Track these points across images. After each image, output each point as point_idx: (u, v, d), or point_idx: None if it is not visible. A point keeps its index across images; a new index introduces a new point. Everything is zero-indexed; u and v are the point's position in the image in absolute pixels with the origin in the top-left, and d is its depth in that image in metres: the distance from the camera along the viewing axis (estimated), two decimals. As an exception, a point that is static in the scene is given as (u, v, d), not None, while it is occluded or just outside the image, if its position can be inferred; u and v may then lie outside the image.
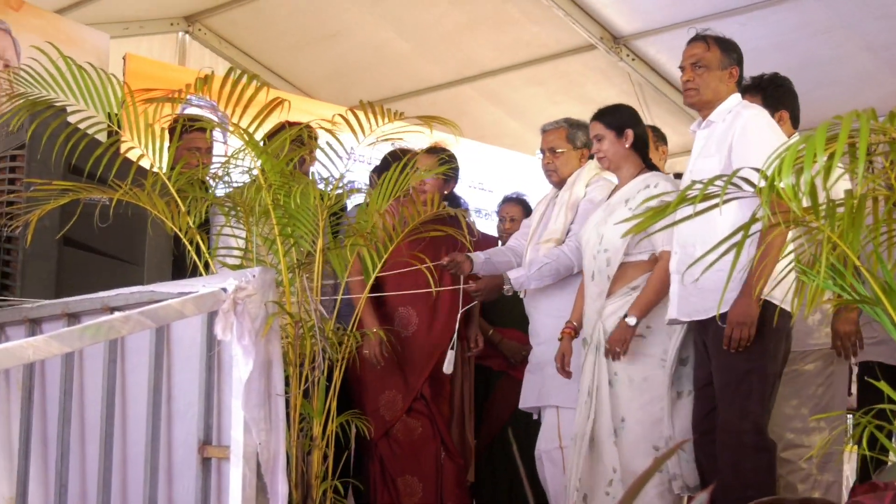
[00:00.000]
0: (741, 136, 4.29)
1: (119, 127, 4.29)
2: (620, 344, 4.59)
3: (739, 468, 4.18)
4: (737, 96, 4.55)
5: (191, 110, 8.19)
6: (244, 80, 3.72)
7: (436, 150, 5.66)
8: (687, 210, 2.48)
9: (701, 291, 4.21)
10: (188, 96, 8.41)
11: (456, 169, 5.80)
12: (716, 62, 4.52)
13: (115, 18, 9.30)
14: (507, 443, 6.03)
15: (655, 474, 4.48)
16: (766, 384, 4.27)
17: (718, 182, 2.40)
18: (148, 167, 4.32)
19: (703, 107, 4.59)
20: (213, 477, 3.45)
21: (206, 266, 4.51)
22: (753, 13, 8.39)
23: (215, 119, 8.36)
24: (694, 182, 2.66)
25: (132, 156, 4.46)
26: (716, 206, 2.38)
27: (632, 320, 4.59)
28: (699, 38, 4.59)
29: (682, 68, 4.62)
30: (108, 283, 4.48)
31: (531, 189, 7.34)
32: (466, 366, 5.88)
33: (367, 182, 5.96)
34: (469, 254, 5.23)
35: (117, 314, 3.17)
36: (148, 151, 3.87)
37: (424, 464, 5.47)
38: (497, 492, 6.01)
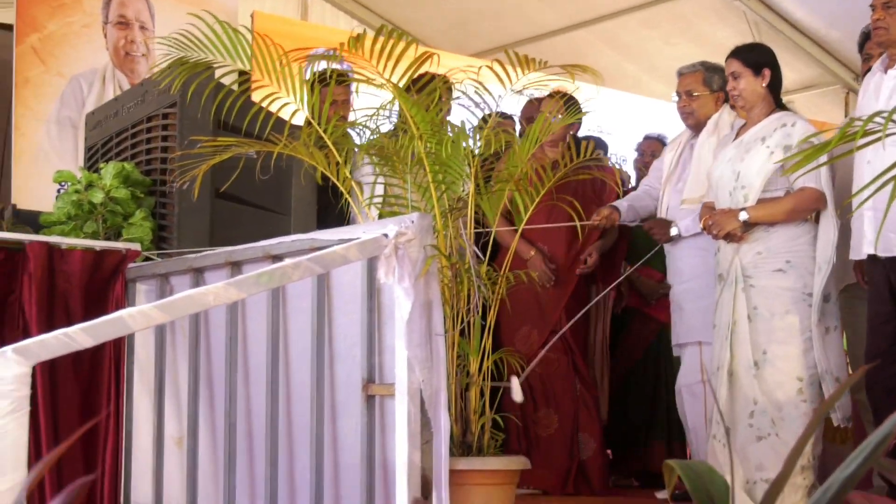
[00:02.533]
0: None
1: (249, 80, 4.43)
2: (719, 227, 4.67)
3: None
4: None
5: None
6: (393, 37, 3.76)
7: (559, 94, 5.69)
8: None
9: None
10: (315, 49, 8.57)
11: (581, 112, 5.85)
12: None
13: (239, -24, 9.44)
14: (641, 379, 6.10)
15: (801, 404, 4.53)
16: None
17: (878, 119, 2.41)
18: (287, 121, 4.46)
19: (891, 45, 4.57)
20: (377, 413, 3.57)
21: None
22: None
23: (341, 67, 8.51)
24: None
25: (270, 108, 4.59)
26: (878, 139, 2.40)
27: (743, 215, 4.63)
28: None
29: (872, 7, 4.60)
30: (257, 233, 4.62)
31: (650, 130, 7.37)
32: (603, 307, 5.95)
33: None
34: (613, 203, 5.30)
35: (287, 261, 3.29)
36: (303, 106, 3.97)
37: (561, 397, 5.57)
38: (631, 426, 6.09)
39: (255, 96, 4.59)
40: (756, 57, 4.90)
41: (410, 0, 10.32)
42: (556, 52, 10.32)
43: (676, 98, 5.53)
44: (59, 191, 7.22)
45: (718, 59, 9.11)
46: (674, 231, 5.27)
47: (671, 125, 8.87)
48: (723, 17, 9.89)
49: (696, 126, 5.42)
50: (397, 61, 3.76)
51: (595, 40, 10.56)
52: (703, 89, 5.43)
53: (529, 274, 3.99)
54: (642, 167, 6.51)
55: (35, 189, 7.22)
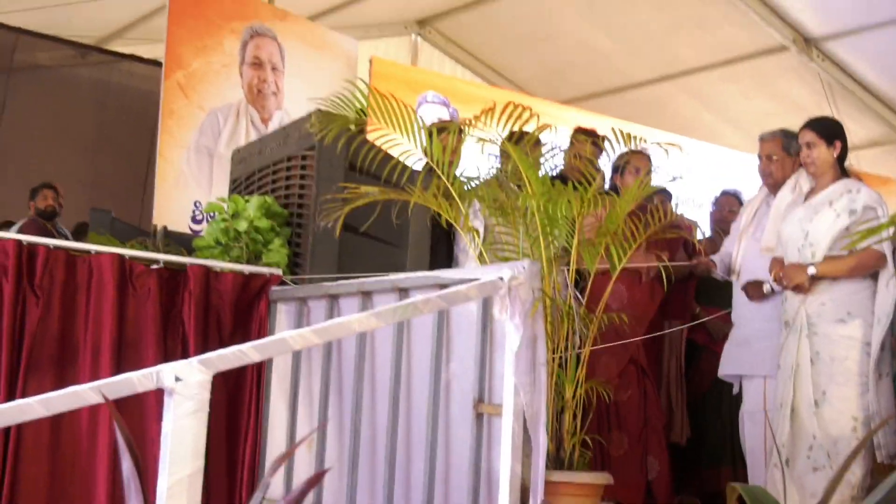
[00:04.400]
0: None
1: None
2: (788, 279, 5.00)
3: None
4: None
5: (426, 106, 8.81)
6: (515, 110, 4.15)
7: (643, 153, 6.06)
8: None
9: None
10: (425, 93, 9.00)
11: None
12: None
13: (357, 23, 9.97)
14: (709, 408, 6.43)
15: (854, 441, 4.80)
16: None
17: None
18: (409, 167, 4.87)
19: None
20: (484, 429, 3.96)
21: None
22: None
23: (447, 112, 8.97)
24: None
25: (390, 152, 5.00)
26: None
27: (811, 269, 4.94)
28: None
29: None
30: (377, 262, 5.04)
31: (720, 177, 7.71)
32: (677, 341, 6.31)
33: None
34: (711, 257, 5.71)
35: (419, 296, 3.70)
36: (432, 160, 4.36)
37: (632, 422, 5.91)
38: (700, 451, 6.41)
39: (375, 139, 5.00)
40: (830, 130, 5.21)
41: (510, 49, 10.75)
42: (641, 101, 10.73)
43: (758, 160, 5.85)
44: (194, 212, 7.76)
45: (792, 113, 9.46)
46: (766, 288, 5.58)
47: (744, 173, 9.25)
48: (799, 75, 10.19)
49: (774, 186, 5.71)
50: (520, 131, 4.16)
51: (677, 92, 10.91)
52: (782, 153, 5.72)
53: (621, 316, 4.35)
54: (719, 219, 6.86)
55: (174, 208, 7.75)
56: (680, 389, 6.36)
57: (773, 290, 5.50)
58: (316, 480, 1.93)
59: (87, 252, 4.50)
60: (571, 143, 6.16)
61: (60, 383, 4.14)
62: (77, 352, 4.38)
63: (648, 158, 5.98)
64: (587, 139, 6.05)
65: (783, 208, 5.51)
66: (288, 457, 1.80)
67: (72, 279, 4.42)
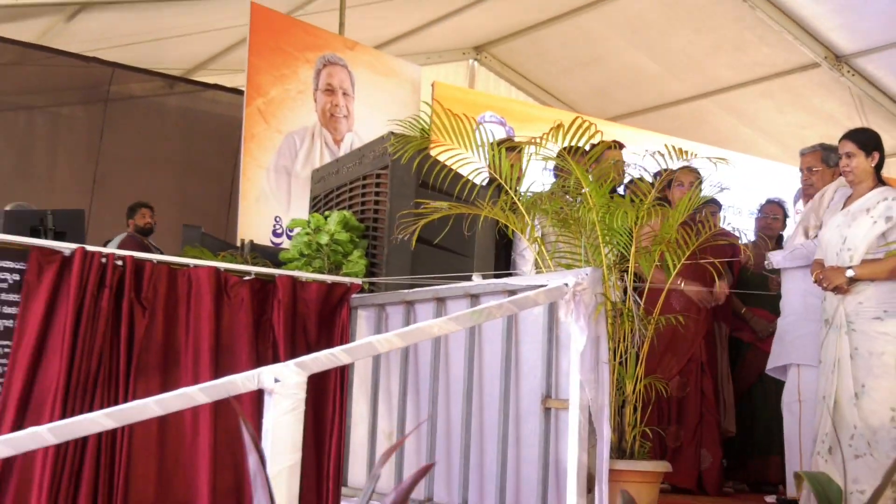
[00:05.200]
0: None
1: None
2: (828, 281, 4.99)
3: None
4: None
5: (485, 126, 8.87)
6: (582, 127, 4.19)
7: (689, 168, 6.07)
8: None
9: None
10: (483, 114, 9.06)
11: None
12: None
13: (419, 50, 10.08)
14: (756, 401, 6.44)
15: (893, 430, 4.80)
16: None
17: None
18: (478, 185, 4.94)
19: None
20: (552, 422, 4.00)
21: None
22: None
23: (504, 130, 9.03)
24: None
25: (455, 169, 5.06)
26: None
27: (850, 272, 4.95)
28: None
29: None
30: (446, 271, 5.09)
31: (757, 187, 7.71)
32: (724, 339, 6.33)
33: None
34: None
35: (492, 302, 3.76)
36: (503, 179, 4.42)
37: (688, 417, 5.93)
38: (750, 441, 6.42)
39: (441, 157, 5.06)
40: (868, 140, 5.20)
41: (559, 70, 10.79)
42: (682, 117, 10.72)
43: (800, 173, 5.88)
44: (275, 226, 7.87)
45: (824, 125, 9.40)
46: (767, 263, 5.66)
47: (778, 183, 9.25)
48: (830, 91, 10.13)
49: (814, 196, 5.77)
50: (582, 147, 4.21)
51: (716, 108, 10.89)
52: (822, 165, 5.78)
53: (678, 317, 4.37)
54: (763, 226, 6.88)
55: (256, 223, 7.87)
56: (730, 382, 6.39)
57: (772, 264, 5.60)
58: (423, 473, 1.99)
59: (186, 265, 4.60)
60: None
61: (165, 386, 4.26)
62: (179, 357, 4.48)
63: (694, 172, 6.01)
64: (613, 146, 6.10)
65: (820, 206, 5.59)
66: (395, 450, 1.85)
67: (173, 291, 4.52)
